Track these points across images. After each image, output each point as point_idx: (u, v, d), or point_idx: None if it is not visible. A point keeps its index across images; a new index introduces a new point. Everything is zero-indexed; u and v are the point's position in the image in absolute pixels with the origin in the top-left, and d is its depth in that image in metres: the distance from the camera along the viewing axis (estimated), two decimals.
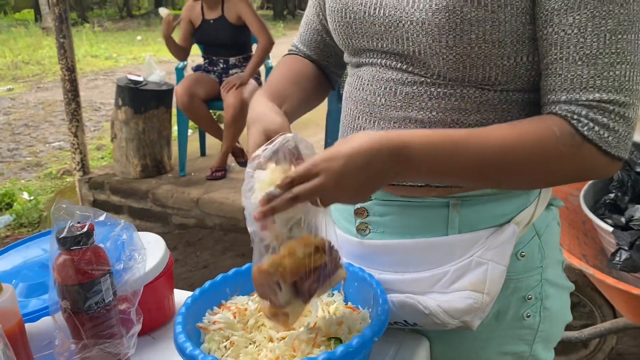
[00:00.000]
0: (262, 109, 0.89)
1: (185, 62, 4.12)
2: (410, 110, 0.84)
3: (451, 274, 0.84)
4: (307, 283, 0.75)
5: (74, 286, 0.78)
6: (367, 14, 0.85)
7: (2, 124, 6.58)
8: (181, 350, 0.74)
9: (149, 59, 4.00)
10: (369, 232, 0.91)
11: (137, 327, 0.85)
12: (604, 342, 2.05)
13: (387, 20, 0.82)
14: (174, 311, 1.04)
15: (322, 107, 1.74)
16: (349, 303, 0.90)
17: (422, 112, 0.83)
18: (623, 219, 1.66)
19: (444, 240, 0.85)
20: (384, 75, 0.86)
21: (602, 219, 1.69)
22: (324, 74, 1.07)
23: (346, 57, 0.97)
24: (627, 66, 0.73)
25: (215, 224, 3.57)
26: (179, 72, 4.05)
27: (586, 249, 1.88)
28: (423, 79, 0.82)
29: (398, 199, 0.88)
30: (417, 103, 0.83)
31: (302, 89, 1.01)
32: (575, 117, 0.74)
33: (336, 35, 0.93)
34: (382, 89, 0.86)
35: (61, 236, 0.77)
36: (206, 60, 3.94)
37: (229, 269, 0.93)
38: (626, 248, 1.53)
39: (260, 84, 3.94)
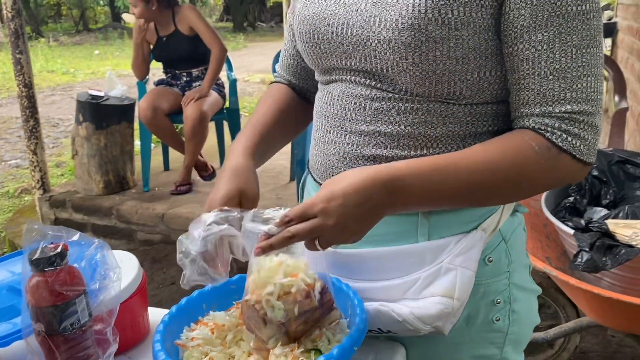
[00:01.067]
0: (243, 163, 0.94)
1: (147, 77, 4.07)
2: (379, 125, 0.87)
3: (422, 281, 0.86)
4: (295, 324, 0.77)
5: (48, 308, 0.77)
6: (335, 34, 0.88)
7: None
8: None
9: (110, 73, 3.94)
10: None
11: (114, 347, 0.84)
12: (568, 341, 2.11)
13: (354, 40, 0.85)
14: (149, 329, 1.03)
15: None
16: None
17: (390, 126, 0.86)
18: (583, 222, 1.72)
19: (414, 248, 0.87)
20: (354, 91, 0.89)
21: (563, 222, 1.75)
22: (305, 98, 1.10)
23: (316, 76, 0.99)
24: (592, 78, 0.78)
25: None
26: (141, 86, 4.00)
27: (549, 252, 1.94)
28: (391, 95, 0.85)
29: None
30: (386, 117, 0.86)
31: (284, 127, 1.06)
32: (549, 129, 0.79)
33: (306, 56, 0.96)
34: (352, 104, 0.89)
35: (34, 257, 0.76)
36: (168, 75, 3.91)
37: (197, 286, 0.92)
38: (587, 249, 1.59)
39: (223, 96, 3.93)
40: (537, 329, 2.08)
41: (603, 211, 1.84)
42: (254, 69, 10.46)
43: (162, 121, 3.72)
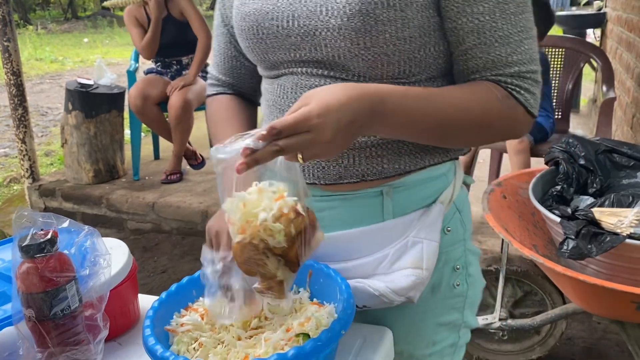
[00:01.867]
0: None
1: (137, 65, 4.04)
2: None
3: (391, 256, 0.91)
4: (294, 250, 0.74)
5: (38, 294, 0.77)
6: (280, 27, 0.88)
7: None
8: (152, 353, 0.75)
9: (100, 61, 3.91)
10: None
11: (104, 333, 0.85)
12: (554, 327, 2.15)
13: (302, 31, 0.86)
14: (139, 316, 1.04)
15: None
16: (314, 299, 0.92)
17: None
18: (569, 210, 1.74)
19: (382, 226, 0.92)
20: (306, 82, 0.90)
21: (550, 210, 1.77)
22: (249, 99, 1.09)
23: (261, 71, 0.99)
24: (531, 40, 0.86)
25: (172, 228, 3.53)
26: (131, 74, 3.97)
27: (536, 240, 1.96)
28: (344, 81, 0.87)
29: (335, 194, 0.93)
30: None
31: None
32: (506, 83, 0.85)
33: (250, 53, 0.95)
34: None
35: (24, 244, 0.77)
36: (158, 63, 3.88)
37: (188, 274, 0.93)
38: (573, 237, 1.61)
39: None
40: (524, 315, 2.12)
41: (589, 200, 1.85)
42: None
43: (152, 110, 3.70)
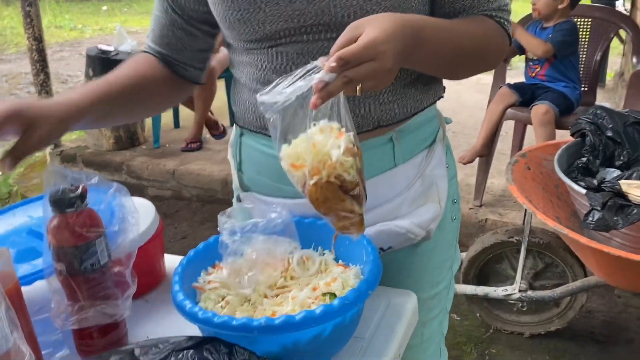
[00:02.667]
0: (55, 99, 0.88)
1: None
2: None
3: (409, 197, 0.96)
4: (360, 185, 0.74)
5: (69, 248, 0.78)
6: None
7: None
8: (180, 308, 0.76)
9: (120, 28, 3.90)
10: None
11: (133, 289, 0.85)
12: (574, 300, 2.14)
13: None
14: (165, 275, 1.05)
15: None
16: (340, 261, 0.92)
17: None
18: (595, 182, 1.71)
19: (395, 171, 0.96)
20: (312, 47, 0.87)
21: (575, 182, 1.74)
22: (178, 72, 1.04)
23: (246, 44, 0.92)
24: None
25: (192, 196, 3.56)
26: None
27: (559, 212, 1.94)
28: None
29: None
30: None
31: (139, 95, 0.99)
32: (498, 17, 0.92)
33: (241, 25, 0.88)
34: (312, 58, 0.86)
35: (55, 198, 0.77)
36: None
37: (215, 231, 0.94)
38: (599, 209, 1.58)
39: None
40: (544, 287, 2.11)
41: (616, 172, 1.82)
42: None
43: None
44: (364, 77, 0.69)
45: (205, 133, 3.99)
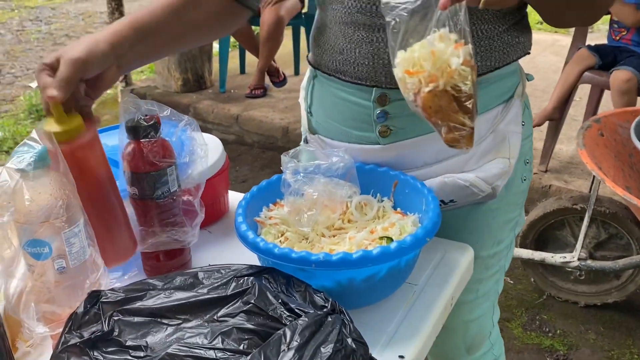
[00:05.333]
0: (94, 36, 0.84)
1: None
2: None
3: (479, 151, 0.93)
4: (474, 99, 0.73)
5: (143, 174, 0.82)
6: None
7: (44, 34, 6.63)
8: (243, 238, 0.79)
9: None
10: (390, 133, 0.94)
11: (201, 217, 0.89)
12: (636, 274, 2.07)
13: None
14: (228, 209, 1.09)
15: None
16: (398, 209, 0.93)
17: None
18: None
19: None
20: None
21: None
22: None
23: None
24: None
25: (254, 141, 3.62)
26: None
27: (630, 182, 1.86)
28: None
29: None
30: None
31: (190, 23, 0.93)
32: None
33: None
34: None
35: (131, 126, 0.81)
36: None
37: (278, 170, 0.96)
38: None
39: (302, 0, 3.85)
40: (605, 258, 2.05)
41: None
42: None
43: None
44: None
45: (267, 81, 4.01)
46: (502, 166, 0.94)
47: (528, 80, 1.04)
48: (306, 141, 1.09)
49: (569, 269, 2.07)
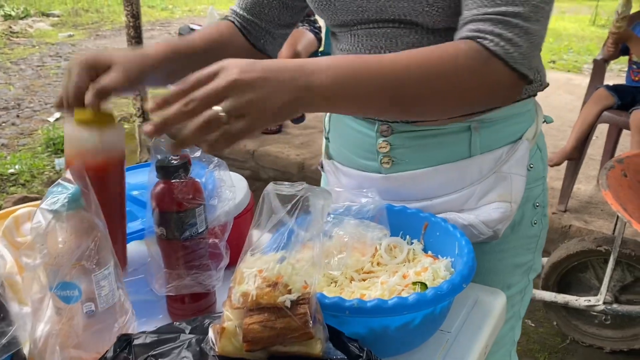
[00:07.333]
0: (139, 50, 0.91)
1: None
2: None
3: (479, 191, 0.93)
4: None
5: (171, 214, 0.81)
6: None
7: (64, 69, 6.77)
8: None
9: (212, 9, 4.01)
10: (392, 164, 0.96)
11: (226, 261, 0.88)
12: None
13: None
14: None
15: None
16: (429, 252, 0.91)
17: None
18: None
19: (470, 162, 0.93)
20: (379, 32, 0.91)
21: None
22: (257, 42, 1.06)
23: (335, 29, 0.99)
24: None
25: (269, 177, 3.63)
26: None
27: None
28: (418, 29, 0.87)
29: (425, 129, 0.93)
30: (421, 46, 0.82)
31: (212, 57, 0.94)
32: (481, 35, 0.74)
33: (321, 13, 0.96)
34: (384, 41, 0.91)
35: (162, 165, 0.81)
36: None
37: None
38: None
39: (319, 39, 3.90)
40: (630, 302, 1.99)
41: None
42: None
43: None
44: (213, 93, 0.69)
45: None
46: (502, 210, 0.92)
47: (547, 123, 1.02)
48: (321, 166, 1.13)
49: (594, 313, 2.02)
